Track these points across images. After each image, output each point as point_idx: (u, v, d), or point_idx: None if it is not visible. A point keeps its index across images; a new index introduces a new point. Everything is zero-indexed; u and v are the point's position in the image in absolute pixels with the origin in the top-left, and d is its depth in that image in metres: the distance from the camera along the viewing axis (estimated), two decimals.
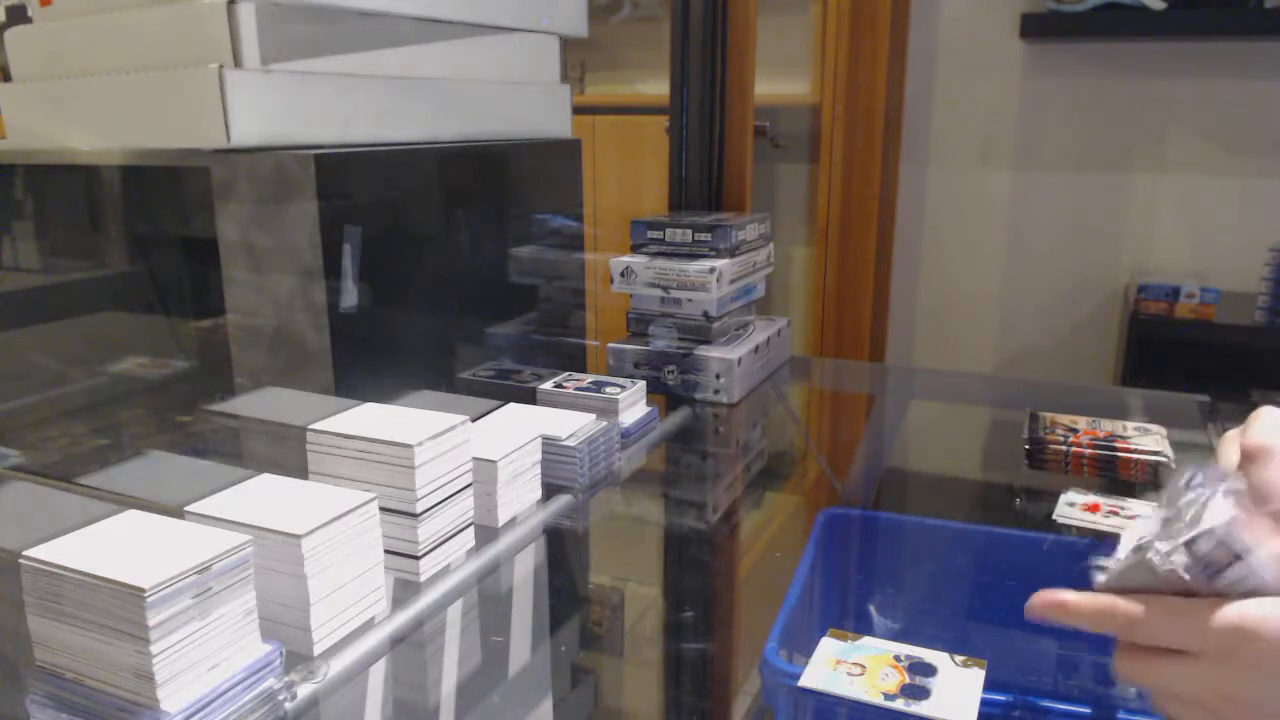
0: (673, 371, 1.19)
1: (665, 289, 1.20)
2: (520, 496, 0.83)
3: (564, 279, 1.16)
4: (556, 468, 0.88)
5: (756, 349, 1.25)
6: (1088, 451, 1.01)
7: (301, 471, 0.72)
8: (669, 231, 1.22)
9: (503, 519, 0.81)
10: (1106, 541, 0.88)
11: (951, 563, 0.97)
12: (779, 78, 2.38)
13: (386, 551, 0.69)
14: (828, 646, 0.71)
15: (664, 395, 1.19)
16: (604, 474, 0.93)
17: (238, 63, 0.77)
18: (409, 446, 0.68)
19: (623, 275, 1.22)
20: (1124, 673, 0.48)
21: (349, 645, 0.63)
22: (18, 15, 0.90)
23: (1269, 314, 1.80)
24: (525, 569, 0.82)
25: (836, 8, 2.11)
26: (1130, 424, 1.07)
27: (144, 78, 0.81)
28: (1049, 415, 1.10)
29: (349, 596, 0.64)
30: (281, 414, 0.83)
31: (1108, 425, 1.07)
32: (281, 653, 0.57)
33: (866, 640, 0.72)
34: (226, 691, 0.53)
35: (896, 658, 0.70)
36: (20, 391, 1.01)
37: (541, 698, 0.74)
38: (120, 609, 0.50)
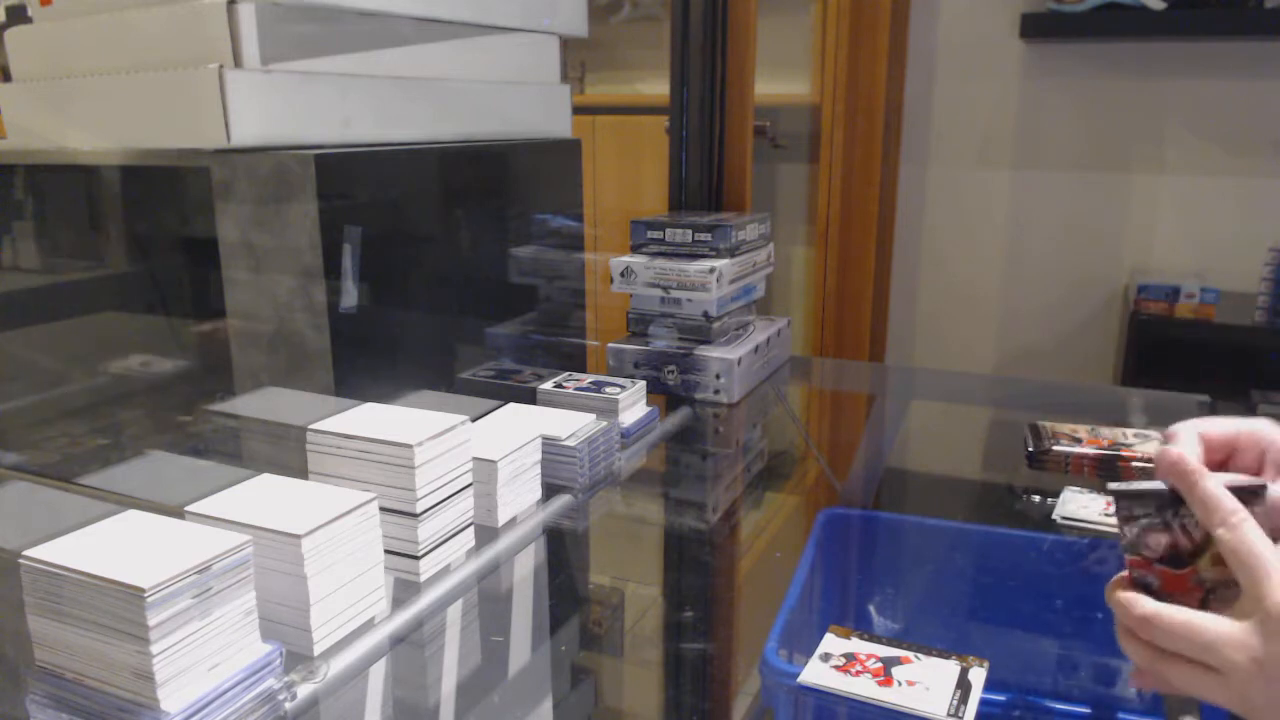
0: (673, 371, 1.19)
1: (665, 289, 1.20)
2: (520, 496, 0.83)
3: (564, 279, 1.16)
4: (556, 468, 0.88)
5: (756, 349, 1.25)
6: (1089, 464, 1.01)
7: (301, 471, 0.72)
8: (669, 231, 1.22)
9: (503, 519, 0.81)
10: (1106, 542, 0.88)
11: (951, 563, 0.97)
12: (779, 78, 2.38)
13: (386, 551, 0.69)
14: (828, 644, 0.71)
15: (664, 395, 1.19)
16: (604, 474, 0.93)
17: (238, 63, 0.77)
18: (409, 446, 0.68)
19: (623, 275, 1.22)
20: (1148, 676, 0.49)
21: (349, 645, 0.63)
22: (18, 15, 0.90)
23: (1269, 314, 1.80)
24: (525, 569, 0.82)
25: (836, 8, 2.11)
26: (1131, 430, 1.07)
27: (144, 78, 0.81)
28: (1050, 425, 1.09)
29: (349, 596, 0.64)
30: (281, 414, 0.83)
31: (1109, 434, 1.06)
32: (281, 653, 0.57)
33: (867, 638, 0.72)
34: (226, 691, 0.53)
35: (896, 657, 0.70)
36: (20, 391, 1.00)
37: (541, 698, 0.74)
38: (120, 609, 0.50)
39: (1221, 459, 0.53)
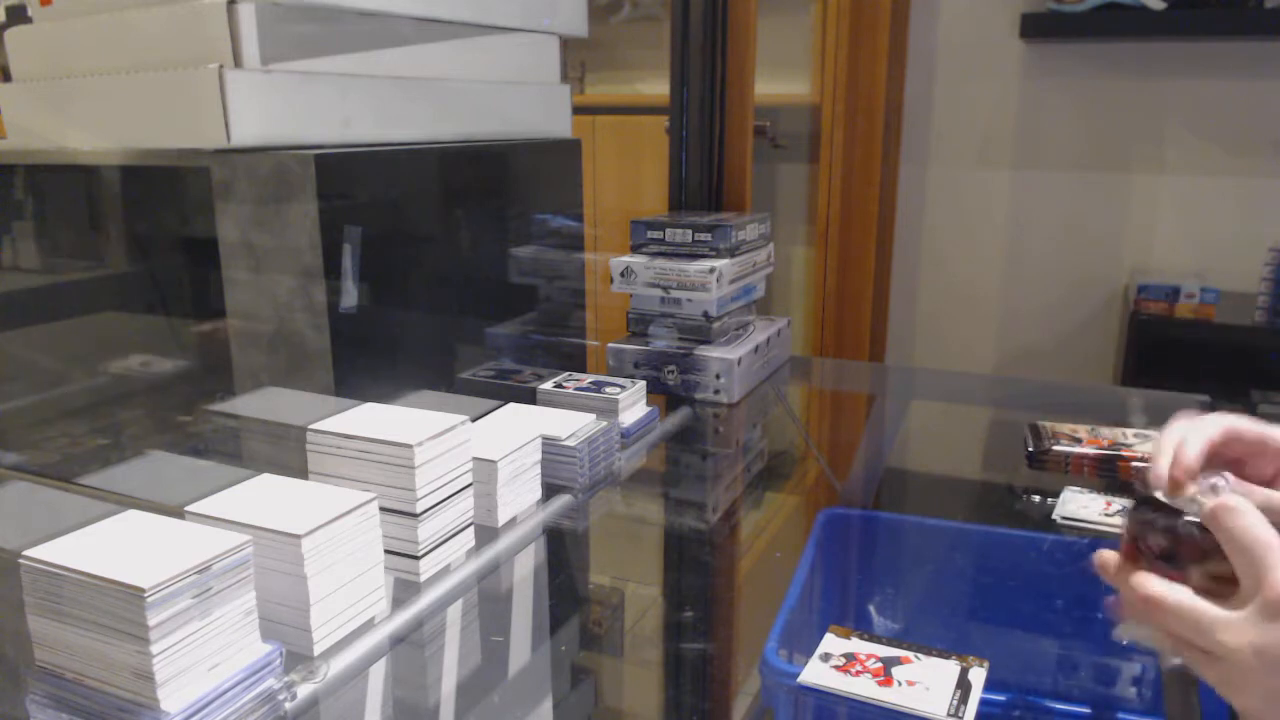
0: (673, 371, 1.19)
1: (665, 289, 1.20)
2: (520, 496, 0.83)
3: (564, 279, 1.16)
4: (556, 468, 0.88)
5: (756, 349, 1.25)
6: (1089, 464, 1.01)
7: (301, 471, 0.72)
8: (669, 231, 1.22)
9: (503, 519, 0.81)
10: (1106, 542, 0.88)
11: (951, 563, 0.97)
12: (779, 78, 2.38)
13: (386, 551, 0.69)
14: (828, 644, 0.71)
15: (664, 395, 1.19)
16: (604, 474, 0.93)
17: (238, 63, 0.77)
18: (409, 446, 0.68)
19: (623, 275, 1.22)
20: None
21: (349, 645, 0.63)
22: (18, 15, 0.90)
23: (1269, 314, 1.80)
24: (525, 569, 0.82)
25: (836, 8, 2.11)
26: (1131, 430, 1.07)
27: (144, 78, 0.81)
28: (1050, 425, 1.09)
29: (349, 596, 0.64)
30: (281, 414, 0.83)
31: (1109, 434, 1.06)
32: (281, 653, 0.57)
33: (867, 638, 0.72)
34: (226, 691, 0.53)
35: (896, 657, 0.70)
36: (20, 391, 1.00)
37: (541, 698, 0.74)
38: (120, 609, 0.50)
39: (1239, 456, 0.53)
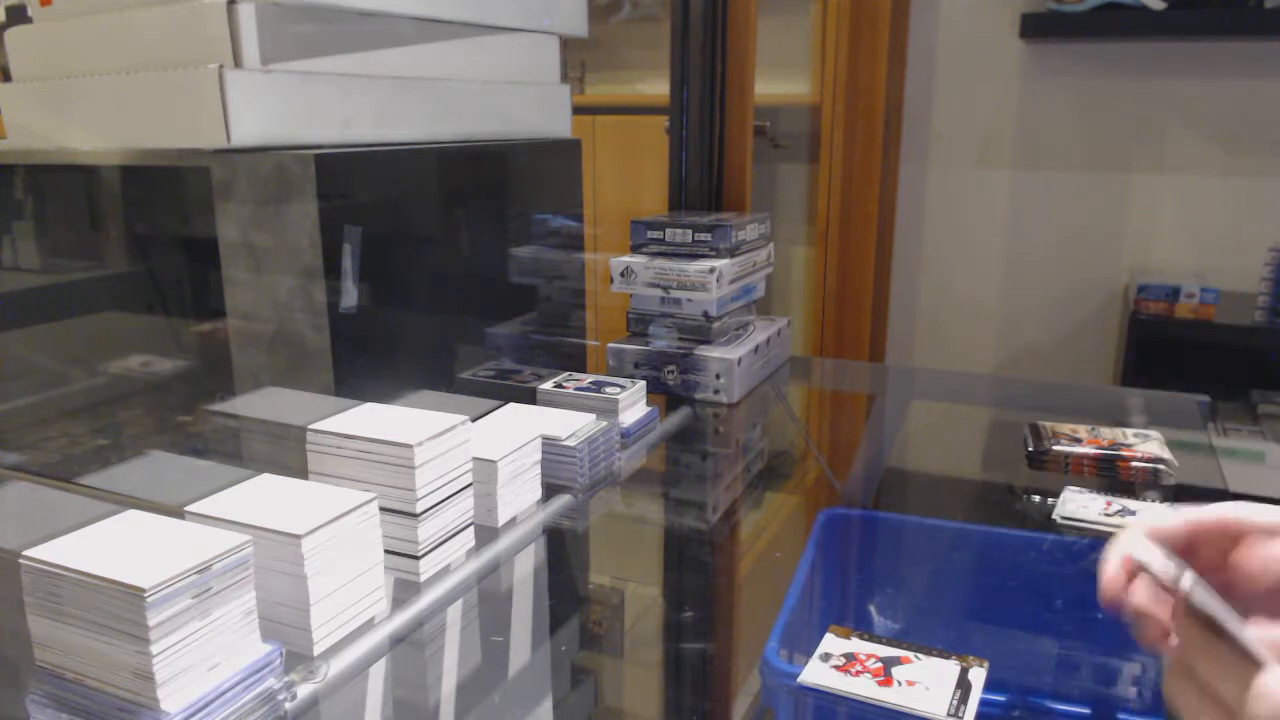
0: (673, 371, 1.19)
1: (665, 289, 1.20)
2: (520, 496, 0.83)
3: (564, 279, 1.16)
4: (556, 468, 0.88)
5: (756, 349, 1.25)
6: (1089, 464, 1.01)
7: (301, 471, 0.72)
8: (669, 231, 1.22)
9: (503, 519, 0.81)
10: (1106, 542, 0.88)
11: (951, 563, 0.97)
12: (779, 78, 2.38)
13: (386, 551, 0.69)
14: (828, 644, 0.71)
15: (664, 395, 1.19)
16: (604, 474, 0.93)
17: (238, 63, 0.77)
18: (409, 446, 0.68)
19: (623, 275, 1.22)
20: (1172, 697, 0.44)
21: (349, 645, 0.63)
22: (18, 15, 0.90)
23: (1269, 314, 1.80)
24: (525, 569, 0.82)
25: (836, 8, 2.11)
26: (1131, 430, 1.07)
27: (144, 78, 0.81)
28: (1050, 425, 1.09)
29: (349, 596, 0.64)
30: (281, 414, 0.83)
31: (1109, 434, 1.06)
32: (281, 653, 0.57)
33: (867, 638, 0.72)
34: (226, 691, 0.53)
35: (896, 657, 0.70)
36: (20, 391, 1.00)
37: (541, 698, 0.74)
38: (120, 609, 0.50)
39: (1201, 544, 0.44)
